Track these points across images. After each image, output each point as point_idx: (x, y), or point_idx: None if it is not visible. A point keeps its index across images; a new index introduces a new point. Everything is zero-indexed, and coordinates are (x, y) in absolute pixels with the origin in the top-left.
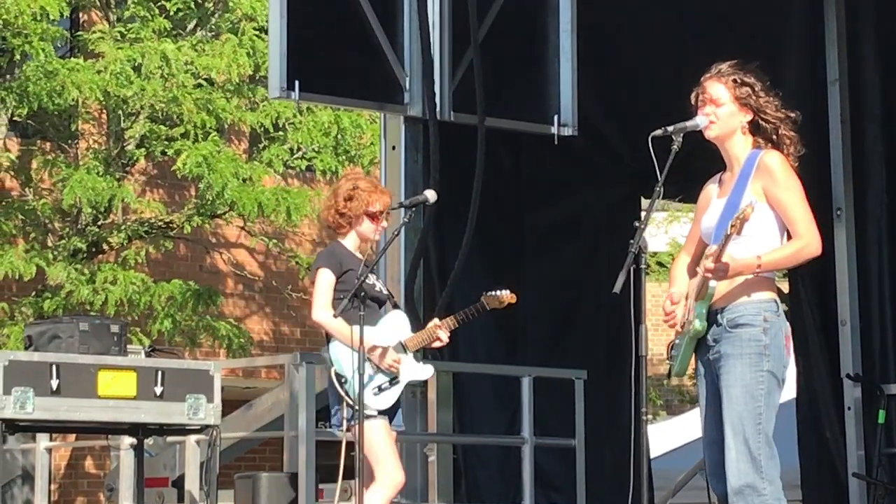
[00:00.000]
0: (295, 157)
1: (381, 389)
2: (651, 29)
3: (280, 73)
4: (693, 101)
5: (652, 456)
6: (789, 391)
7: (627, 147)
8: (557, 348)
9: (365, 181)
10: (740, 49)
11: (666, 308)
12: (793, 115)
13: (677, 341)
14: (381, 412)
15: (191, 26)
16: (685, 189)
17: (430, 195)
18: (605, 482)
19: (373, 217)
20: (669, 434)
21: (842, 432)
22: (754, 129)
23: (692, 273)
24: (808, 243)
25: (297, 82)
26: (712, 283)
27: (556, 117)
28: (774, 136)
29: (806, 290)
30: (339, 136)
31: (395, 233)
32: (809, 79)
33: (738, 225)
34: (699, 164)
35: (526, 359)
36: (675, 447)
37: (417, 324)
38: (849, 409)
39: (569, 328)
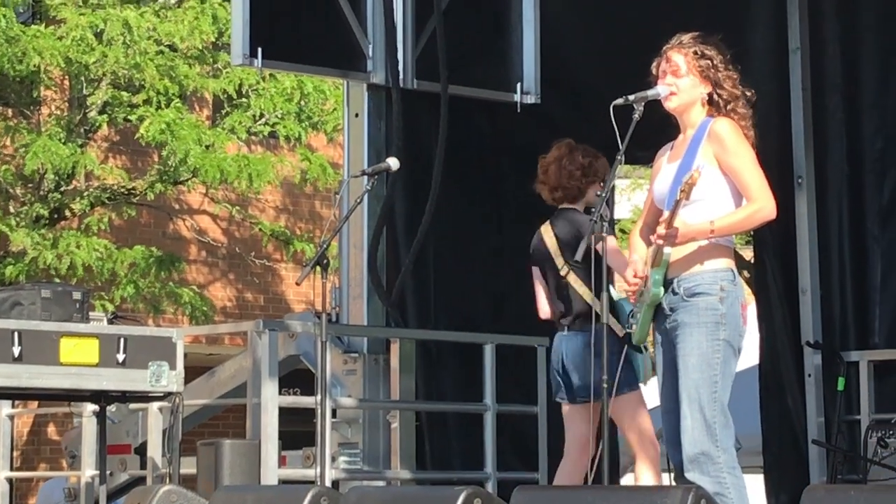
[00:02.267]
0: (258, 123)
1: None
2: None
3: (242, 40)
4: (654, 71)
5: None
6: (753, 358)
7: (593, 116)
8: (519, 315)
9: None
10: (708, 17)
11: (629, 279)
12: (748, 93)
13: (635, 309)
14: None
15: None
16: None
17: (393, 163)
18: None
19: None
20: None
21: (803, 399)
22: (709, 101)
23: (648, 239)
24: (761, 207)
25: (259, 49)
26: (667, 249)
27: (519, 85)
28: (729, 113)
29: (770, 257)
30: (303, 103)
31: (358, 200)
32: (775, 47)
33: (686, 190)
34: (670, 130)
35: (488, 325)
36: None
37: (381, 291)
38: (809, 376)
39: (531, 296)
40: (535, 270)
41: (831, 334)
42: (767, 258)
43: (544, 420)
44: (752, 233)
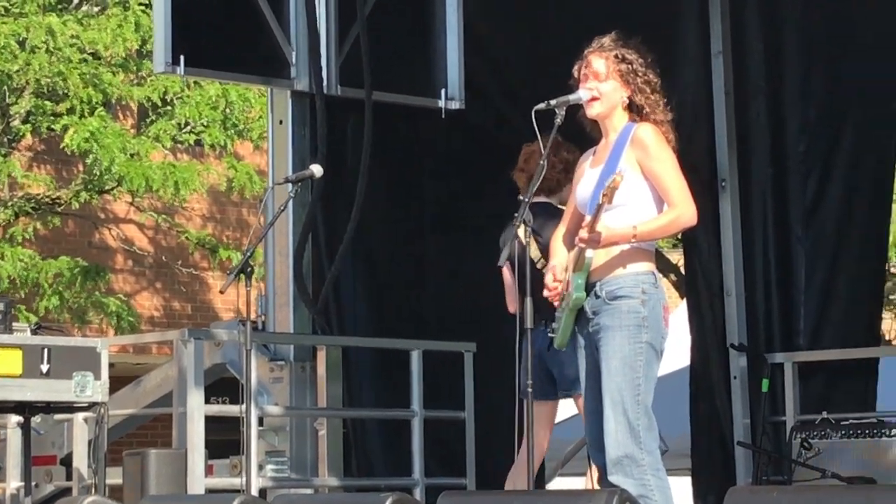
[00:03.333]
0: (183, 131)
1: None
2: (543, 1)
3: (165, 48)
4: (576, 74)
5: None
6: (680, 361)
7: (521, 121)
8: (446, 321)
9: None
10: (632, 20)
11: (548, 283)
12: (664, 99)
13: (558, 314)
14: None
15: (76, 0)
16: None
17: (317, 170)
18: (495, 454)
19: None
20: (560, 405)
21: (729, 401)
22: (630, 105)
23: (570, 244)
24: (682, 213)
25: (182, 57)
26: (589, 253)
27: (443, 91)
28: (647, 118)
29: (699, 260)
30: (228, 110)
31: (282, 207)
32: (698, 51)
33: (609, 194)
34: (594, 134)
35: (414, 332)
36: (565, 418)
37: (307, 299)
38: (735, 378)
39: (457, 302)
40: (506, 267)
41: (756, 336)
42: (697, 261)
43: (472, 426)
44: (680, 236)
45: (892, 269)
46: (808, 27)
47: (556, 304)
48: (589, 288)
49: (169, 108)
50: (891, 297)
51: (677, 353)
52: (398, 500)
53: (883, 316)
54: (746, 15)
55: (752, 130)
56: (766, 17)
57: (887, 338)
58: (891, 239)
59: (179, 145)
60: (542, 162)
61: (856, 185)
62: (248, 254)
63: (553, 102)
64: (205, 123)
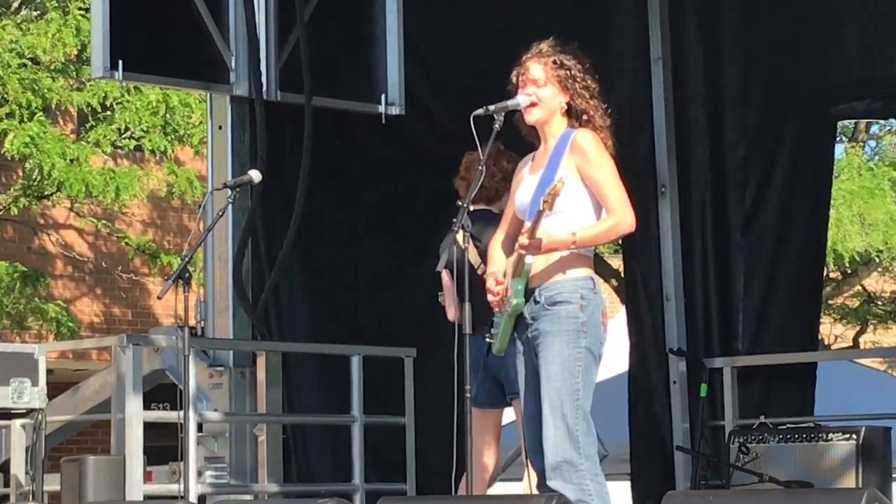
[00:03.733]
0: (123, 136)
1: None
2: (482, 7)
3: (103, 53)
4: (514, 80)
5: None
6: (622, 365)
7: (458, 127)
8: (386, 327)
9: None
10: (571, 27)
11: (491, 288)
12: (602, 105)
13: (496, 319)
14: None
15: (15, 5)
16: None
17: (255, 175)
18: (436, 460)
19: None
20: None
21: (668, 406)
22: (568, 111)
23: (509, 250)
24: (621, 220)
25: (120, 62)
26: (528, 259)
27: (383, 96)
28: (586, 124)
29: (638, 266)
30: (168, 116)
31: (220, 213)
32: (635, 57)
33: (549, 201)
34: (531, 139)
35: (354, 338)
36: (506, 423)
37: (246, 304)
38: (674, 383)
39: (398, 307)
40: (445, 273)
41: (696, 341)
42: (636, 266)
43: (412, 431)
44: (620, 241)
45: (831, 275)
46: (747, 34)
47: (497, 309)
48: (528, 293)
49: (109, 113)
50: (829, 301)
51: (617, 357)
52: None
53: (823, 321)
54: (685, 22)
55: (691, 136)
56: (704, 24)
57: (826, 342)
58: (828, 244)
59: (119, 151)
60: (480, 168)
61: (794, 192)
62: (187, 259)
63: (492, 108)
64: (145, 129)
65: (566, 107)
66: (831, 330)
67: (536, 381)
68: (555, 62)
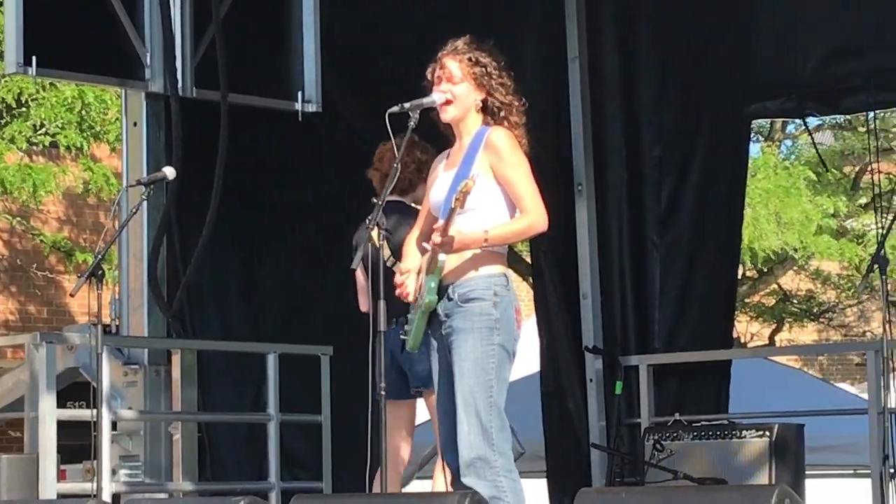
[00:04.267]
0: (38, 133)
1: None
2: (397, 4)
3: (17, 49)
4: (429, 77)
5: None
6: (538, 363)
7: (371, 125)
8: (302, 325)
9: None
10: (484, 24)
11: (396, 280)
12: (518, 102)
13: (410, 316)
14: None
15: None
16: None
17: (169, 172)
18: (351, 458)
19: None
20: (419, 408)
21: (584, 404)
22: (484, 108)
23: (422, 247)
24: (534, 220)
25: (34, 57)
26: (442, 256)
27: (300, 94)
28: (502, 121)
29: (548, 264)
30: (84, 112)
31: (133, 210)
32: (552, 56)
33: (461, 198)
34: (447, 135)
35: (270, 336)
36: (424, 421)
37: (161, 302)
38: (591, 380)
39: (313, 305)
40: (360, 270)
41: (612, 339)
42: (545, 264)
43: (328, 429)
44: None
45: (747, 273)
46: (663, 34)
47: (408, 300)
48: (442, 291)
49: (24, 109)
50: (745, 300)
51: (535, 355)
52: (249, 503)
53: (739, 319)
54: (602, 22)
55: (608, 136)
56: (621, 24)
57: (742, 340)
58: (744, 243)
59: (35, 147)
60: (395, 165)
61: (710, 191)
62: (99, 257)
63: (407, 105)
64: (60, 125)
65: (481, 104)
66: (747, 328)
67: (451, 379)
68: (470, 59)
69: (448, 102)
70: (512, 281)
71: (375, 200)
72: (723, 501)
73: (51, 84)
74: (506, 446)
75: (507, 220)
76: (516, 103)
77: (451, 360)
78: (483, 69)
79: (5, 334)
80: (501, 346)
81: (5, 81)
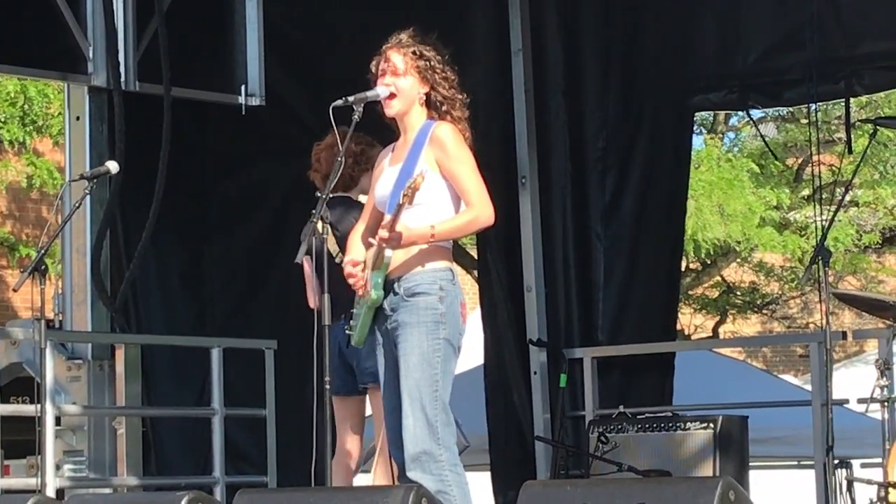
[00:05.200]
0: None
1: None
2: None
3: None
4: (374, 70)
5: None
6: (479, 357)
7: (315, 117)
8: (246, 319)
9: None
10: (428, 17)
11: (351, 272)
12: (461, 96)
13: (356, 311)
14: None
15: None
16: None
17: (112, 166)
18: (295, 453)
19: None
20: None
21: (529, 397)
22: (427, 102)
23: (368, 242)
24: (479, 214)
25: None
26: (388, 252)
27: (243, 87)
28: (445, 115)
29: (493, 257)
30: (26, 106)
31: (76, 204)
32: (495, 49)
33: (409, 194)
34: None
35: (214, 330)
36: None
37: (105, 297)
38: (535, 373)
39: (258, 299)
40: (306, 261)
41: (556, 332)
42: (491, 257)
43: (272, 424)
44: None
45: (691, 266)
46: (606, 26)
47: (359, 293)
48: (387, 285)
49: None
50: (689, 292)
51: (479, 348)
52: (194, 498)
53: (683, 311)
54: (545, 14)
55: (551, 128)
56: (564, 16)
57: (686, 332)
58: (687, 235)
59: None
60: (339, 159)
61: (653, 183)
62: (42, 251)
63: (351, 99)
64: (2, 119)
65: (425, 97)
66: (691, 320)
67: (396, 373)
68: (414, 52)
69: (392, 96)
70: (457, 276)
71: (319, 194)
72: (668, 493)
73: None
74: (451, 440)
75: (453, 214)
76: (459, 97)
77: (397, 355)
78: (427, 62)
79: None
80: (447, 340)
81: None
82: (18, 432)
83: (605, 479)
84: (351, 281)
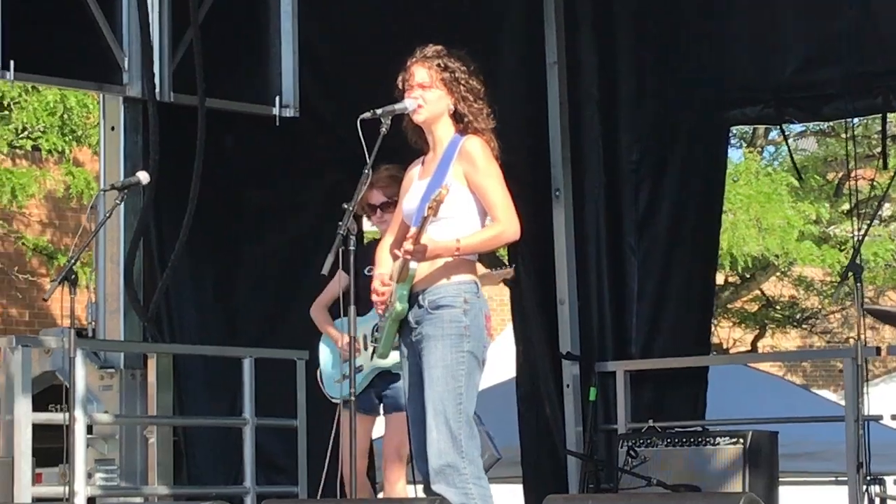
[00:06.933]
0: (20, 136)
1: None
2: (373, 11)
3: None
4: (400, 85)
5: (375, 435)
6: (508, 370)
7: (348, 130)
8: (278, 330)
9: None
10: (461, 30)
11: (377, 289)
12: (487, 108)
13: (380, 323)
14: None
15: None
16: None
17: (143, 176)
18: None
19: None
20: None
21: (561, 410)
22: (454, 114)
23: (395, 255)
24: (505, 228)
25: (12, 62)
26: (413, 264)
27: (277, 98)
28: (470, 125)
29: (526, 269)
30: (66, 116)
31: (108, 214)
32: (530, 61)
33: (434, 207)
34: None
35: (246, 340)
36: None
37: (138, 306)
38: (567, 386)
39: (290, 309)
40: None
41: (589, 345)
42: (524, 270)
43: (304, 433)
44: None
45: (730, 279)
46: (642, 39)
47: (381, 311)
48: (412, 298)
49: (7, 112)
50: (728, 305)
51: (513, 361)
52: None
53: (722, 325)
54: (580, 26)
55: (585, 140)
56: (599, 28)
57: (725, 346)
58: (724, 249)
59: (17, 150)
60: (366, 171)
61: (688, 195)
62: (73, 261)
63: (379, 112)
64: (42, 129)
65: (453, 109)
66: (730, 334)
67: (420, 386)
68: (439, 65)
69: (419, 108)
70: (482, 288)
71: (346, 206)
72: None
73: (33, 87)
74: (475, 453)
75: (479, 228)
76: (485, 109)
77: (422, 367)
78: (451, 74)
79: None
80: (471, 353)
81: None
82: (51, 440)
83: (627, 493)
84: (374, 298)
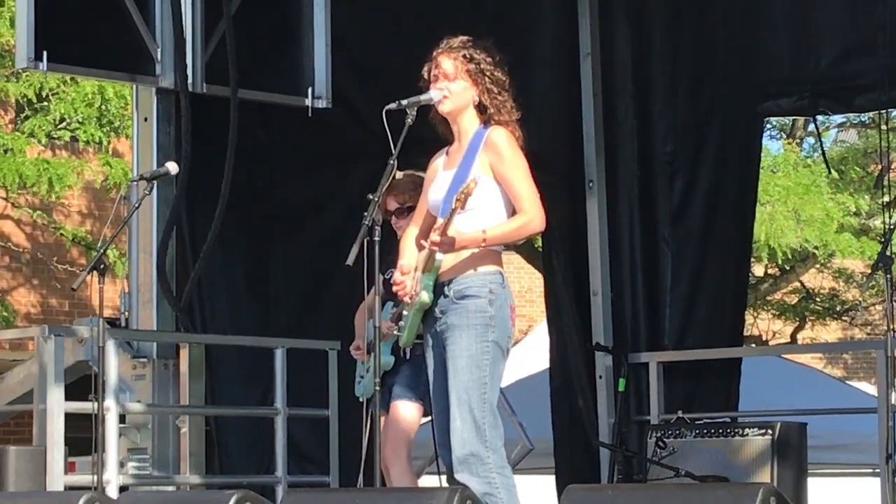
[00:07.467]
0: (59, 127)
1: None
2: (409, 3)
3: (28, 43)
4: (426, 76)
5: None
6: (543, 361)
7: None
8: (310, 320)
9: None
10: (494, 20)
11: (395, 279)
12: (512, 99)
13: (405, 313)
14: None
15: None
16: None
17: (172, 167)
18: (358, 453)
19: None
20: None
21: (594, 401)
22: (479, 104)
23: (421, 245)
24: (531, 219)
25: (45, 52)
26: (439, 255)
27: (310, 90)
28: (494, 116)
29: (559, 261)
30: (104, 107)
31: (136, 205)
32: (564, 52)
33: (462, 199)
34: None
35: (278, 331)
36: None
37: (170, 296)
38: (600, 377)
39: (322, 300)
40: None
41: (623, 336)
42: (557, 261)
43: (335, 423)
44: (541, 237)
45: (769, 271)
46: (676, 30)
47: (406, 300)
48: (437, 288)
49: (45, 104)
50: (767, 297)
51: (539, 352)
52: (242, 497)
53: (761, 317)
54: (614, 18)
55: (619, 132)
56: (633, 19)
57: (764, 338)
58: (762, 240)
59: (56, 142)
60: (391, 161)
61: (721, 187)
62: (102, 250)
63: (404, 102)
64: (80, 120)
65: (478, 100)
66: (769, 326)
67: (445, 375)
68: (465, 56)
69: (444, 98)
70: (507, 279)
71: (371, 196)
72: (708, 499)
73: (71, 79)
74: (499, 443)
75: (505, 219)
76: (510, 100)
77: (446, 357)
78: (476, 65)
79: (27, 327)
80: (496, 343)
81: (27, 76)
82: (85, 430)
83: (648, 484)
84: (395, 288)
